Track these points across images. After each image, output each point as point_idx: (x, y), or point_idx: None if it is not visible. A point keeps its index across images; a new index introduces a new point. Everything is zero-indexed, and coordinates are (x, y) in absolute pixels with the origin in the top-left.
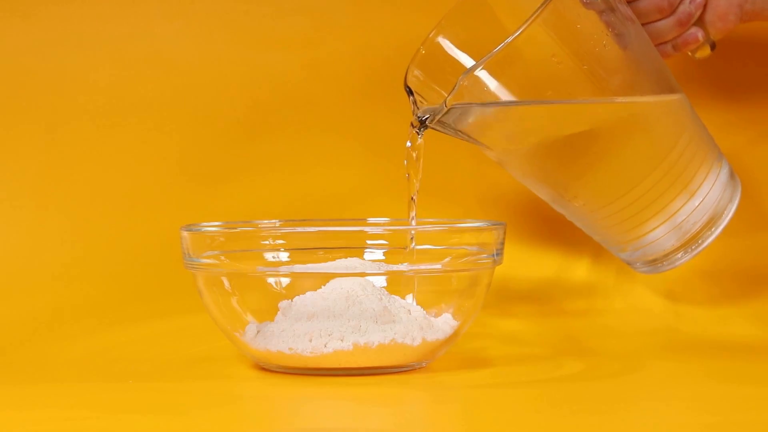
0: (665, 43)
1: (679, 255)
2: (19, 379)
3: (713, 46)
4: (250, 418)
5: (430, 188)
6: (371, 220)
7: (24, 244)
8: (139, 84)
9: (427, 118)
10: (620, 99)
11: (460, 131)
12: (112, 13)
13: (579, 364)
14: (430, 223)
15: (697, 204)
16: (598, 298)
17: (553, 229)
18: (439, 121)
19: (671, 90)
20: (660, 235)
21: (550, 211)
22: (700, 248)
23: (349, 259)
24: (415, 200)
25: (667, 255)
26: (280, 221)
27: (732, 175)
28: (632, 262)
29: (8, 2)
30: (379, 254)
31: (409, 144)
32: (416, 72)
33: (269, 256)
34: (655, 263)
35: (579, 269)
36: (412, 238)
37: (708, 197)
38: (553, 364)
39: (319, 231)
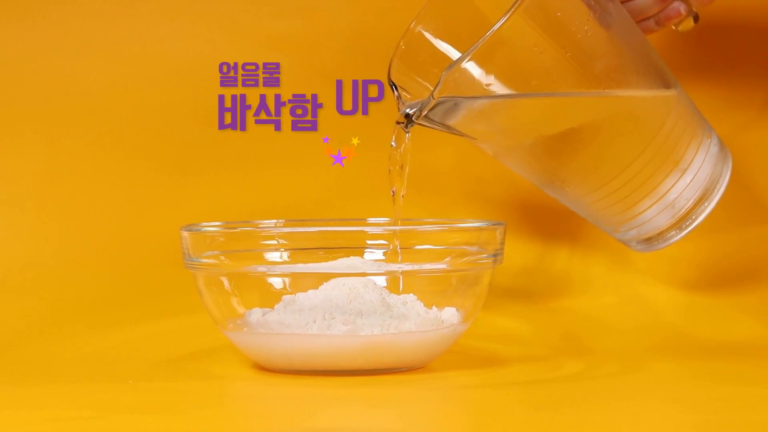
0: (647, 18)
1: (673, 233)
2: (19, 379)
3: (696, 18)
4: (250, 418)
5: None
6: (371, 220)
7: (24, 244)
8: (139, 84)
9: (413, 113)
10: (608, 92)
11: (448, 126)
12: (112, 13)
13: (578, 364)
14: (430, 222)
15: (689, 181)
16: (596, 293)
17: (546, 223)
18: (425, 116)
19: (656, 68)
20: (653, 214)
21: (540, 205)
22: (694, 225)
23: (349, 258)
24: (402, 200)
25: (661, 233)
26: (280, 221)
27: (721, 146)
28: (627, 242)
29: (7, 3)
30: (379, 254)
31: (393, 143)
32: (399, 66)
33: (269, 256)
34: (649, 241)
35: (575, 264)
36: (395, 242)
37: (699, 173)
38: (553, 364)
39: (320, 231)
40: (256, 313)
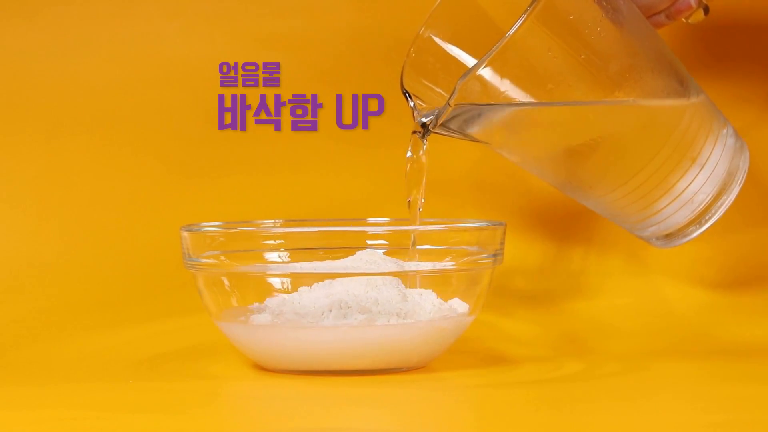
0: (657, 13)
1: (693, 228)
2: (19, 379)
3: (707, 10)
4: (250, 418)
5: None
6: (371, 220)
7: (24, 244)
8: (139, 84)
9: (428, 122)
10: (628, 101)
11: (464, 133)
12: (112, 13)
13: (579, 364)
14: (430, 222)
15: (708, 175)
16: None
17: (551, 223)
18: (442, 124)
19: (669, 64)
20: (672, 211)
21: (554, 206)
22: (714, 219)
23: (350, 257)
24: (421, 208)
25: (681, 229)
26: (280, 221)
27: (737, 137)
28: (647, 238)
29: (7, 3)
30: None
31: (409, 153)
32: (410, 73)
33: (269, 256)
34: (669, 237)
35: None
36: (413, 241)
37: (718, 167)
38: (553, 364)
39: (320, 231)
40: (269, 303)
